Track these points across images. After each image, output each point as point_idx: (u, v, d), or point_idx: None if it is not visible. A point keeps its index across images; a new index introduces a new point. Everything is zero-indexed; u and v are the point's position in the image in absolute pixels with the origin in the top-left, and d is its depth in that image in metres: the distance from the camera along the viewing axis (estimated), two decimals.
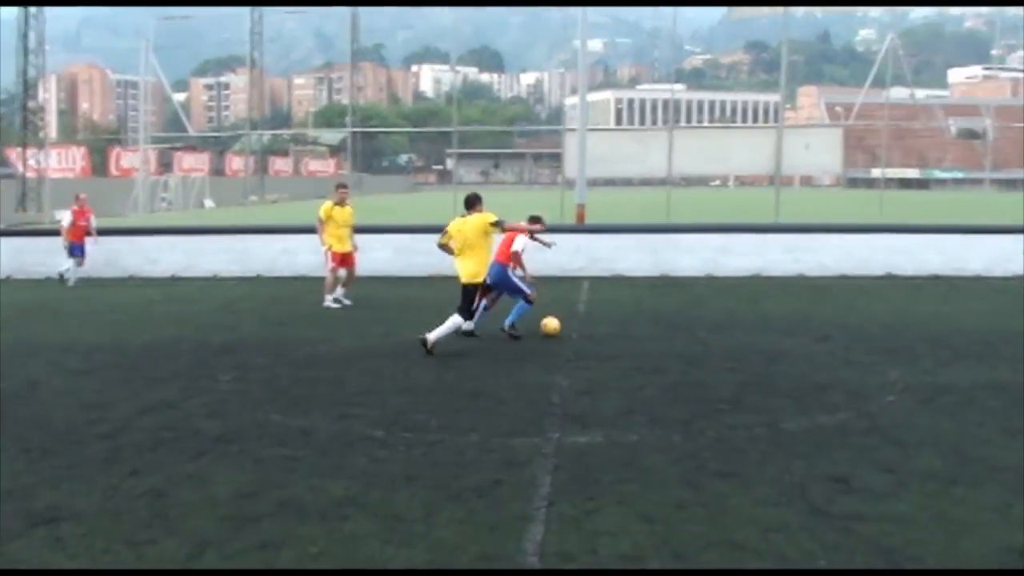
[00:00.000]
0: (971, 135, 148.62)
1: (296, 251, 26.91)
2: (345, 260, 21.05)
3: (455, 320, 15.14)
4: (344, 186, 21.94)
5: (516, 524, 7.54)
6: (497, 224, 15.41)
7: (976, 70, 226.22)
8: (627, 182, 62.63)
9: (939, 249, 26.86)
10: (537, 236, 17.60)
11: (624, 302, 21.21)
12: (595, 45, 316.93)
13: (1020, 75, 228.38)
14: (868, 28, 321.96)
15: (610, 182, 60.79)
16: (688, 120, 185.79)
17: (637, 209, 46.03)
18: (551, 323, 16.90)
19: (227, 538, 7.33)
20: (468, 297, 15.37)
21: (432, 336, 14.93)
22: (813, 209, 55.34)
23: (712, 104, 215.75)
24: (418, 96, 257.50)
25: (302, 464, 9.18)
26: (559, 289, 23.19)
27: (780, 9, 43.83)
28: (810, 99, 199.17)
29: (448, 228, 15.75)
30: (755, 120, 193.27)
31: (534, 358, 14.66)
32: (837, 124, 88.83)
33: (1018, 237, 27.22)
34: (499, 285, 16.61)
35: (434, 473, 8.85)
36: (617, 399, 11.80)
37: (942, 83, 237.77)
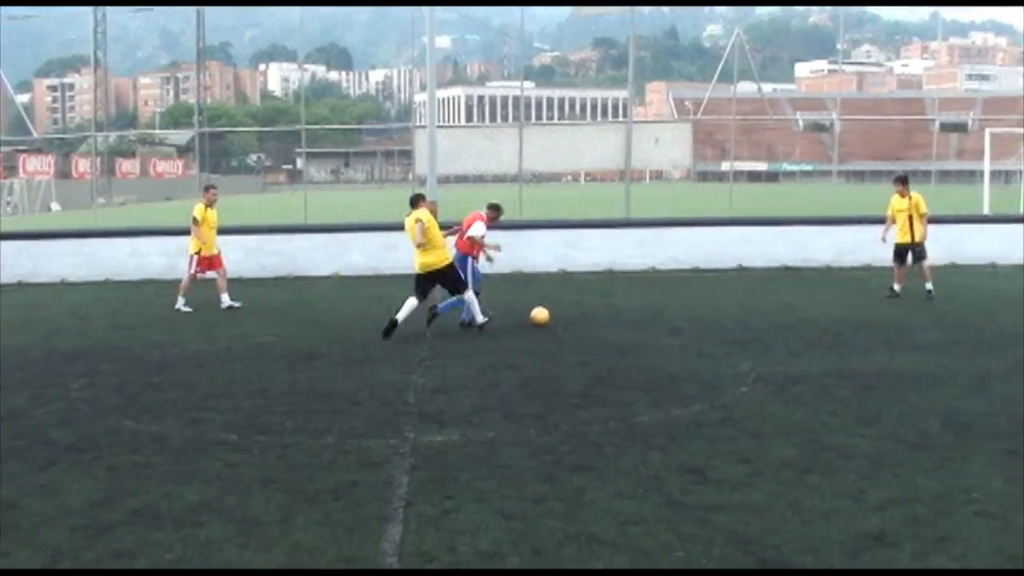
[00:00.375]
0: (818, 128, 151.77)
1: (146, 254, 26.40)
2: (214, 263, 20.67)
3: (470, 295, 16.73)
4: (213, 187, 21.59)
5: (374, 525, 7.47)
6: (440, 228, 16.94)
7: (822, 64, 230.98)
8: (479, 179, 62.67)
9: (788, 241, 27.36)
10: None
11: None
12: (444, 42, 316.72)
13: (865, 69, 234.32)
14: (715, 24, 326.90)
15: (462, 179, 60.75)
16: (538, 117, 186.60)
17: None
18: (541, 314, 17.38)
19: (81, 548, 7.16)
20: (454, 278, 16.67)
21: (478, 317, 16.69)
22: (663, 203, 56.01)
23: (562, 101, 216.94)
24: (266, 95, 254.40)
25: (155, 471, 8.99)
26: (410, 287, 23.06)
27: (627, 6, 44.13)
28: (659, 95, 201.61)
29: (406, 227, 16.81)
30: (605, 116, 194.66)
31: (389, 358, 14.56)
32: (686, 119, 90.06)
33: (866, 228, 27.85)
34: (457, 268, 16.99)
35: (290, 476, 8.73)
36: (472, 396, 11.79)
37: (789, 77, 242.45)
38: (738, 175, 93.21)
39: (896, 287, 20.67)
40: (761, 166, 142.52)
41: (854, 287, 22.64)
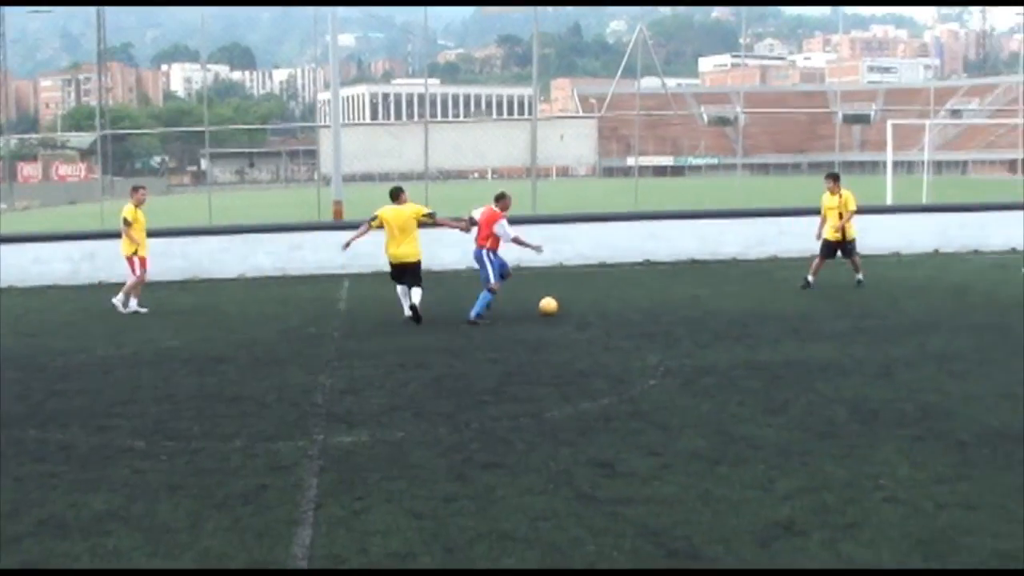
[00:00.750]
0: (722, 122, 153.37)
1: (49, 260, 25.91)
2: (143, 264, 20.37)
3: (417, 292, 17.35)
4: (143, 187, 21.32)
5: (284, 529, 7.41)
6: (430, 215, 17.80)
7: (725, 59, 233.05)
8: (385, 177, 62.39)
9: (694, 234, 27.55)
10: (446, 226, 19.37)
11: (386, 298, 21.01)
12: (347, 40, 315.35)
13: (768, 62, 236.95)
14: (618, 20, 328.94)
15: (368, 177, 60.54)
16: (443, 114, 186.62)
17: None
18: (549, 304, 17.84)
19: None
20: (411, 272, 17.51)
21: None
22: (570, 199, 56.25)
23: (467, 98, 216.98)
24: (169, 96, 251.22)
25: (62, 480, 8.83)
26: (319, 288, 22.99)
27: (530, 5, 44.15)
28: (564, 91, 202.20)
29: (378, 214, 17.65)
30: (510, 113, 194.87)
31: (297, 360, 14.45)
32: (591, 115, 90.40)
33: (771, 220, 28.17)
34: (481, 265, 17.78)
35: (198, 481, 8.62)
36: (381, 396, 11.73)
37: (693, 72, 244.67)
38: (643, 170, 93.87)
39: (811, 278, 20.76)
40: (666, 160, 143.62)
41: (761, 279, 22.85)
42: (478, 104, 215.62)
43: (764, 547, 6.92)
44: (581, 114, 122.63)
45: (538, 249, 18.56)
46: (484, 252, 17.66)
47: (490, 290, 17.46)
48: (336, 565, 6.76)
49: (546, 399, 11.35)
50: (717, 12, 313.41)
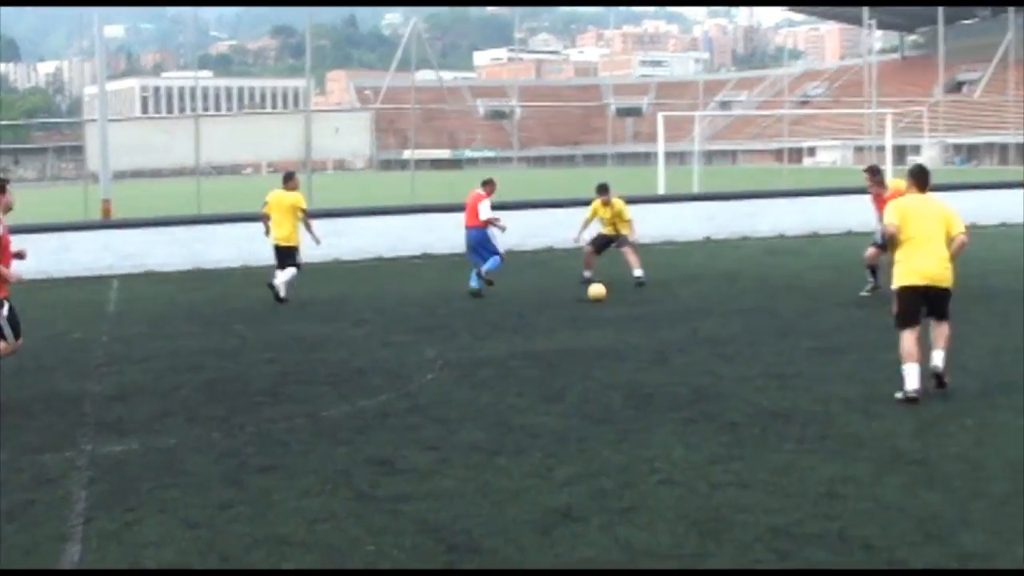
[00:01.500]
0: (499, 115, 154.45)
1: None
2: None
3: (292, 272, 18.84)
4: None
5: (52, 545, 7.11)
6: (304, 213, 19.21)
7: (501, 52, 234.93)
8: (156, 173, 60.98)
9: None
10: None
11: (157, 299, 20.58)
12: (116, 31, 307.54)
13: (543, 56, 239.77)
14: (394, 12, 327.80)
15: (138, 174, 59.03)
16: (216, 108, 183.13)
17: (167, 201, 45.01)
18: (598, 289, 17.98)
19: None
20: (287, 255, 18.90)
21: (279, 284, 18.67)
22: (346, 193, 55.77)
23: (240, 91, 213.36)
24: None
25: None
26: (86, 290, 22.27)
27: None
28: (339, 84, 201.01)
29: (268, 198, 19.26)
30: (285, 106, 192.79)
31: (64, 366, 13.95)
32: (366, 108, 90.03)
33: (547, 211, 28.46)
34: (478, 248, 19.37)
35: None
36: (152, 402, 11.39)
37: (469, 65, 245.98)
38: (420, 163, 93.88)
39: (587, 274, 20.38)
40: (444, 153, 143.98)
41: (538, 269, 23.09)
42: (252, 97, 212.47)
43: (544, 535, 6.96)
44: (357, 107, 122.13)
45: (503, 229, 19.79)
46: (485, 231, 19.37)
47: (501, 257, 19.45)
48: None
49: (323, 398, 11.21)
50: (492, 6, 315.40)
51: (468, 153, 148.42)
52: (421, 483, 8.12)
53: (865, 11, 64.95)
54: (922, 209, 10.66)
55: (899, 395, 10.27)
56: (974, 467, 8.21)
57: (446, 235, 26.98)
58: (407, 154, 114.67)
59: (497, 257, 19.37)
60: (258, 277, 22.79)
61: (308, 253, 21.30)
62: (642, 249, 21.03)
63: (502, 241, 19.90)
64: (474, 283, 19.08)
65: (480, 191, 19.49)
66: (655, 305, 17.24)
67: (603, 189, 20.34)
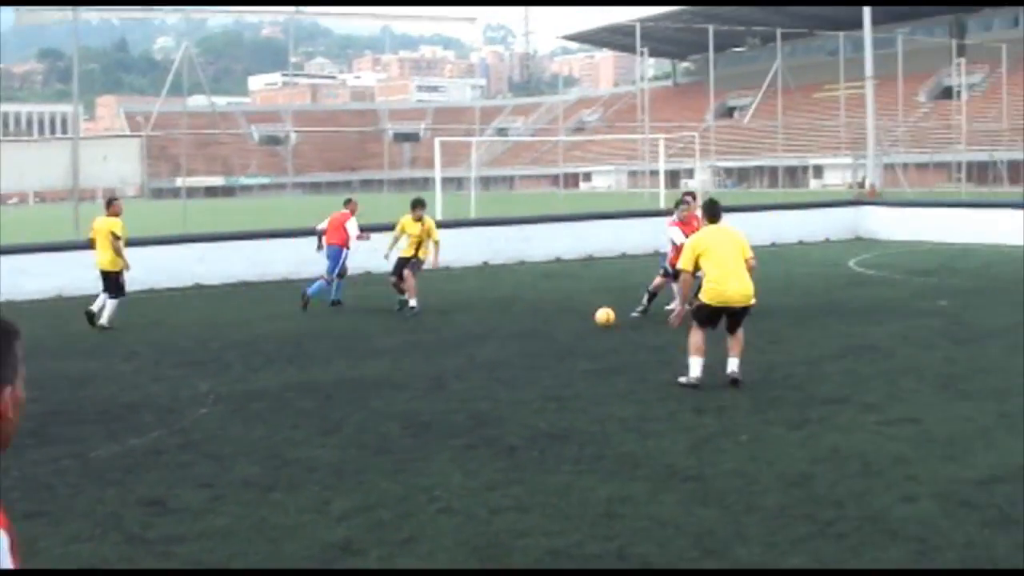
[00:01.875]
0: (273, 141, 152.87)
1: None
2: None
3: (106, 298, 18.90)
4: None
5: None
6: (116, 237, 18.87)
7: (276, 77, 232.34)
8: None
9: (245, 256, 27.18)
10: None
11: None
12: None
13: (318, 81, 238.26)
14: (166, 36, 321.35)
15: None
16: None
17: None
18: (607, 315, 17.25)
19: None
20: (111, 281, 18.87)
21: (101, 315, 18.81)
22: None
23: (5, 116, 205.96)
24: None
25: None
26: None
27: (69, 13, 41.58)
28: (109, 109, 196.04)
29: (93, 224, 19.55)
30: (52, 132, 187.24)
31: None
32: (136, 134, 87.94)
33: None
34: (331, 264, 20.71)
35: None
36: None
37: (243, 90, 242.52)
38: (194, 191, 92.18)
39: (405, 298, 19.70)
40: (217, 181, 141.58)
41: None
42: (18, 123, 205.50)
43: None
44: (127, 133, 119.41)
45: (368, 238, 21.12)
46: (342, 250, 20.67)
47: (327, 280, 20.64)
48: None
49: (91, 437, 10.79)
50: (267, 30, 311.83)
51: (243, 180, 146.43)
52: (194, 522, 7.91)
53: (638, 39, 66.31)
54: (720, 239, 12.01)
55: (682, 380, 11.32)
56: (748, 482, 8.43)
57: (219, 265, 26.56)
58: (179, 182, 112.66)
59: (323, 281, 20.65)
60: (24, 312, 21.96)
61: (69, 287, 20.74)
62: (420, 275, 20.76)
63: (352, 261, 21.38)
64: (334, 295, 21.04)
65: (344, 210, 21.21)
66: (432, 332, 17.24)
67: (419, 204, 19.93)
